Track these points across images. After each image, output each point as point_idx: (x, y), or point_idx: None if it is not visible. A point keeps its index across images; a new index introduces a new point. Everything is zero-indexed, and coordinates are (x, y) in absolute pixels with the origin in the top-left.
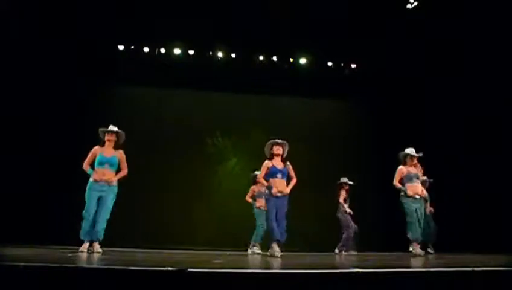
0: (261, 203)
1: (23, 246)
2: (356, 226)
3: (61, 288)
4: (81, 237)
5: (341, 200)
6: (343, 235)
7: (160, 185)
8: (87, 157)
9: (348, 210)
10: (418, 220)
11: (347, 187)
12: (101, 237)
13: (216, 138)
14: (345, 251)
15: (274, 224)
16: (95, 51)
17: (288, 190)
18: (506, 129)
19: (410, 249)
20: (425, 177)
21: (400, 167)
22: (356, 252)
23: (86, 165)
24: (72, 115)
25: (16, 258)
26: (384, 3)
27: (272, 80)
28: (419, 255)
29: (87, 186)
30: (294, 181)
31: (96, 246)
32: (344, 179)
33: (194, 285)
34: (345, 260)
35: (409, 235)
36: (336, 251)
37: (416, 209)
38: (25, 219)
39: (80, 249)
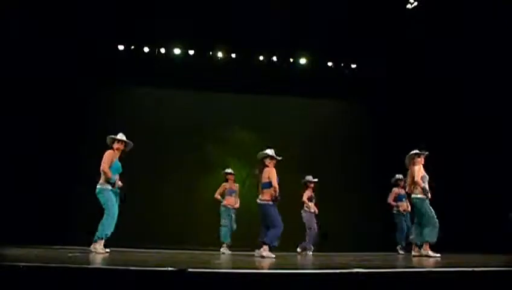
0: (228, 201)
1: (23, 246)
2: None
3: (61, 288)
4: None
5: (305, 198)
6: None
7: (160, 184)
8: (107, 160)
9: (313, 209)
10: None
11: (312, 185)
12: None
13: (216, 138)
14: (308, 251)
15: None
16: (95, 51)
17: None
18: (506, 129)
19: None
20: (401, 176)
21: (419, 166)
22: (311, 253)
23: (109, 171)
24: (72, 115)
25: (17, 258)
26: (384, 3)
27: (272, 80)
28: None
29: (107, 190)
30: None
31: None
32: (309, 177)
33: (194, 285)
34: (345, 260)
35: (427, 237)
36: (298, 249)
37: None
38: (25, 219)
39: (106, 251)
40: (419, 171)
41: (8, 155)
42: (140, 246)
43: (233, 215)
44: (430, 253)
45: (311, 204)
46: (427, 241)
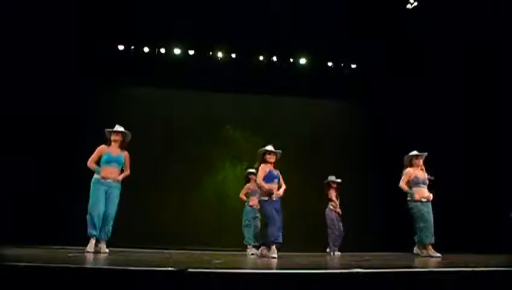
0: (254, 201)
1: (23, 246)
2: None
3: (61, 288)
4: (90, 233)
5: (333, 197)
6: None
7: (160, 185)
8: (93, 155)
9: (338, 209)
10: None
11: (335, 185)
12: (108, 237)
13: (216, 138)
14: (333, 251)
15: (274, 227)
16: (95, 51)
17: (281, 192)
18: (506, 129)
19: (417, 251)
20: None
21: (409, 169)
22: (339, 253)
23: (91, 163)
24: (72, 115)
25: (17, 258)
26: (384, 3)
27: (272, 80)
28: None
29: (93, 182)
30: (284, 188)
31: (103, 247)
32: (332, 177)
33: (194, 285)
34: (345, 260)
35: (419, 240)
36: (328, 250)
37: (426, 213)
38: (25, 219)
39: (86, 249)
40: (405, 176)
41: (8, 155)
42: (140, 246)
43: (258, 216)
44: (418, 251)
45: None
46: (420, 242)
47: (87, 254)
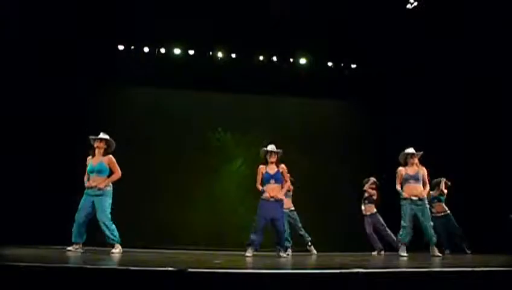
0: (288, 204)
1: (23, 246)
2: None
3: (61, 288)
4: (72, 239)
5: (362, 207)
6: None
7: (160, 185)
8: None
9: (364, 211)
10: (422, 223)
11: (374, 186)
12: (115, 240)
13: (216, 138)
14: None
15: (259, 230)
16: (95, 51)
17: (281, 194)
18: (506, 129)
19: (399, 251)
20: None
21: (400, 168)
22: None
23: (85, 177)
24: (72, 115)
25: (17, 258)
26: (384, 3)
27: (272, 80)
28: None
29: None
30: (286, 185)
31: (115, 249)
32: (373, 179)
33: (194, 285)
34: (345, 260)
35: (398, 237)
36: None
37: (414, 212)
38: (24, 219)
39: (67, 248)
40: (397, 177)
41: (8, 155)
42: (140, 246)
43: (290, 216)
44: (402, 253)
45: (363, 206)
46: (401, 242)
47: (86, 254)
